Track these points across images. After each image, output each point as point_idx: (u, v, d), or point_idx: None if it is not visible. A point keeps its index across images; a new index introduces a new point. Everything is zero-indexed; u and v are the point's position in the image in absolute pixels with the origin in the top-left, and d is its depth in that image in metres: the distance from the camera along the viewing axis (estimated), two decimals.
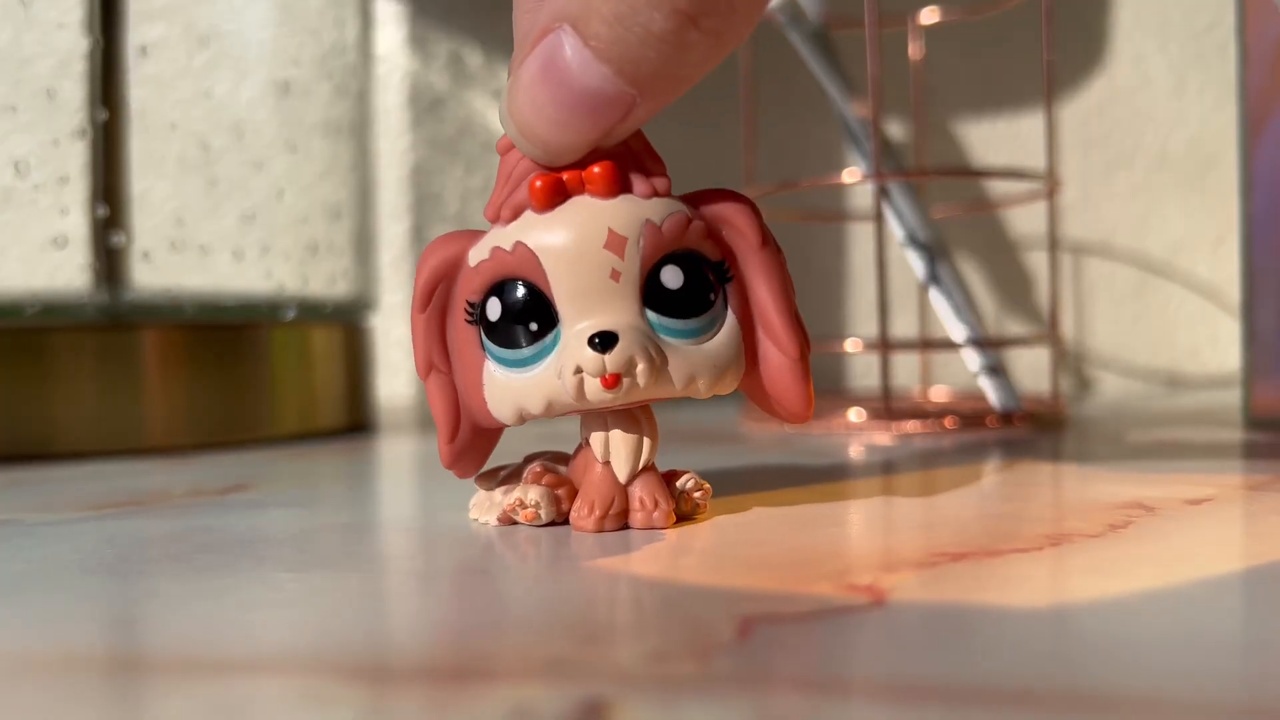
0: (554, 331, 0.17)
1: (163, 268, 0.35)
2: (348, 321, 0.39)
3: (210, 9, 0.37)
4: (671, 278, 0.17)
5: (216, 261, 0.36)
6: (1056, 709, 0.10)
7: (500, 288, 0.17)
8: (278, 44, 0.38)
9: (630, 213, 0.17)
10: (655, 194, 0.17)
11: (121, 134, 0.34)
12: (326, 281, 0.38)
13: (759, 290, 0.18)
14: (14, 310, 0.31)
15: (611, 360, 0.17)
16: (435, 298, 0.18)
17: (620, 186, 0.17)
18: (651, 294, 0.17)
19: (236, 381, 0.34)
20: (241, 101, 0.37)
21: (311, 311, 0.37)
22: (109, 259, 0.34)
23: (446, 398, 0.18)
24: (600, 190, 0.17)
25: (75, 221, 0.34)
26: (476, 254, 0.18)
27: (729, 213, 0.18)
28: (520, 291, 0.17)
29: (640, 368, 0.17)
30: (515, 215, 0.17)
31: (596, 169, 0.17)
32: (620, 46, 0.15)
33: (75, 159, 0.34)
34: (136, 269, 0.35)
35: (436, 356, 0.18)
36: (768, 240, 0.18)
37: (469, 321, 0.18)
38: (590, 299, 0.17)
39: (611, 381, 0.17)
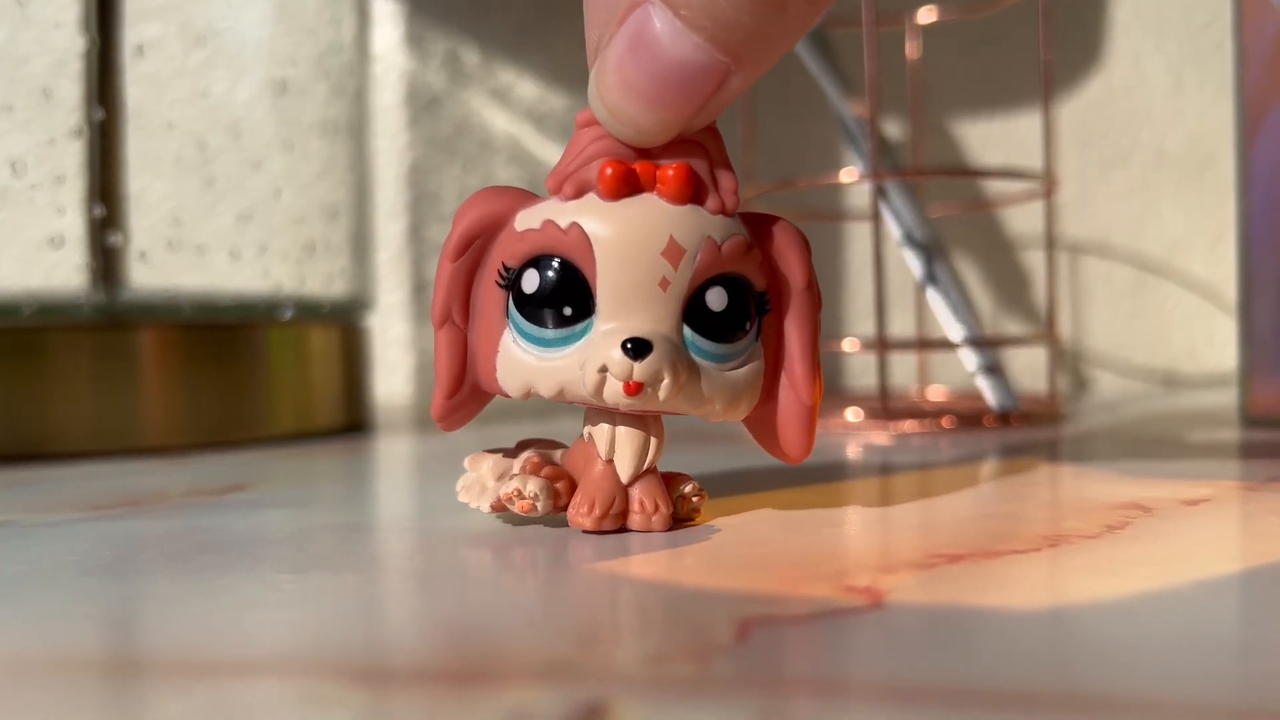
0: (587, 321, 0.17)
1: (159, 267, 0.35)
2: (345, 321, 0.39)
3: (207, 8, 0.37)
4: (716, 300, 0.17)
5: (213, 261, 0.36)
6: (1054, 710, 0.10)
7: (543, 262, 0.17)
8: (274, 43, 0.38)
9: (694, 225, 0.17)
10: (723, 211, 0.17)
11: (118, 133, 0.34)
12: (324, 281, 0.38)
13: (791, 330, 0.18)
14: (10, 310, 0.31)
15: (640, 369, 0.16)
16: (470, 252, 0.18)
17: (691, 194, 0.17)
18: (693, 311, 0.17)
19: (234, 381, 0.34)
20: (238, 101, 0.37)
21: (309, 311, 0.37)
22: (105, 258, 0.34)
23: (455, 352, 0.18)
24: (671, 193, 0.17)
25: (72, 221, 0.34)
26: (525, 220, 0.17)
27: (783, 247, 0.18)
28: (563, 273, 0.17)
29: (665, 381, 0.17)
30: (578, 194, 0.17)
31: (671, 170, 0.17)
32: (714, 12, 0.15)
33: (72, 158, 0.34)
34: (133, 268, 0.35)
35: (456, 309, 0.18)
36: (812, 283, 0.18)
37: (499, 284, 0.17)
38: (633, 300, 0.17)
39: (634, 389, 0.16)
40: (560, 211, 0.17)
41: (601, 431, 0.18)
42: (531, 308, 0.17)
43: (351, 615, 0.13)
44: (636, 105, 0.16)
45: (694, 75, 0.16)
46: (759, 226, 0.18)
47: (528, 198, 0.18)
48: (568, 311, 0.17)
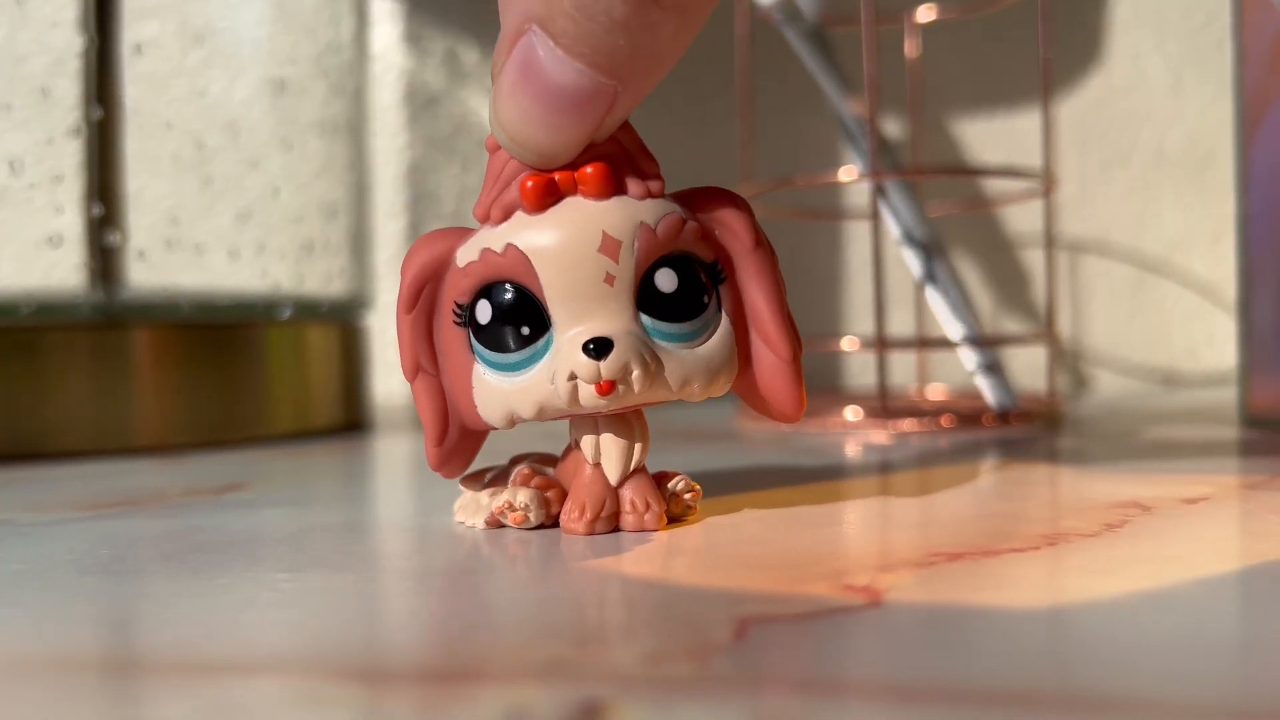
0: (546, 335, 0.17)
1: (158, 266, 0.35)
2: (343, 320, 0.39)
3: (205, 7, 0.36)
4: (665, 281, 0.17)
5: (212, 260, 0.36)
6: (1053, 709, 0.10)
7: (490, 290, 0.17)
8: (273, 42, 0.38)
9: (624, 215, 0.17)
10: (649, 195, 0.17)
11: (116, 132, 0.34)
12: (322, 280, 0.38)
13: (752, 292, 0.18)
14: (9, 309, 0.31)
15: (606, 367, 0.17)
16: (422, 299, 0.18)
17: (614, 187, 0.17)
18: (645, 297, 0.17)
19: (232, 380, 0.34)
20: (236, 100, 0.37)
21: (307, 310, 0.37)
22: (104, 258, 0.34)
23: (434, 400, 0.18)
24: (593, 191, 0.17)
25: (70, 220, 0.34)
26: (465, 254, 0.17)
27: (722, 213, 0.18)
28: (511, 294, 0.17)
29: (635, 374, 0.17)
30: (506, 216, 0.17)
31: (589, 169, 0.17)
32: (588, 39, 0.15)
33: (70, 157, 0.34)
34: (131, 268, 0.35)
35: (424, 358, 0.18)
36: (761, 241, 0.18)
37: (457, 323, 0.18)
38: (584, 303, 0.17)
39: (606, 388, 0.17)
40: (493, 237, 0.17)
41: (586, 437, 0.18)
42: (490, 336, 0.17)
43: (349, 615, 0.13)
44: (533, 130, 0.16)
45: (582, 99, 0.16)
46: (695, 200, 0.18)
47: (465, 234, 0.18)
48: (525, 331, 0.17)
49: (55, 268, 0.34)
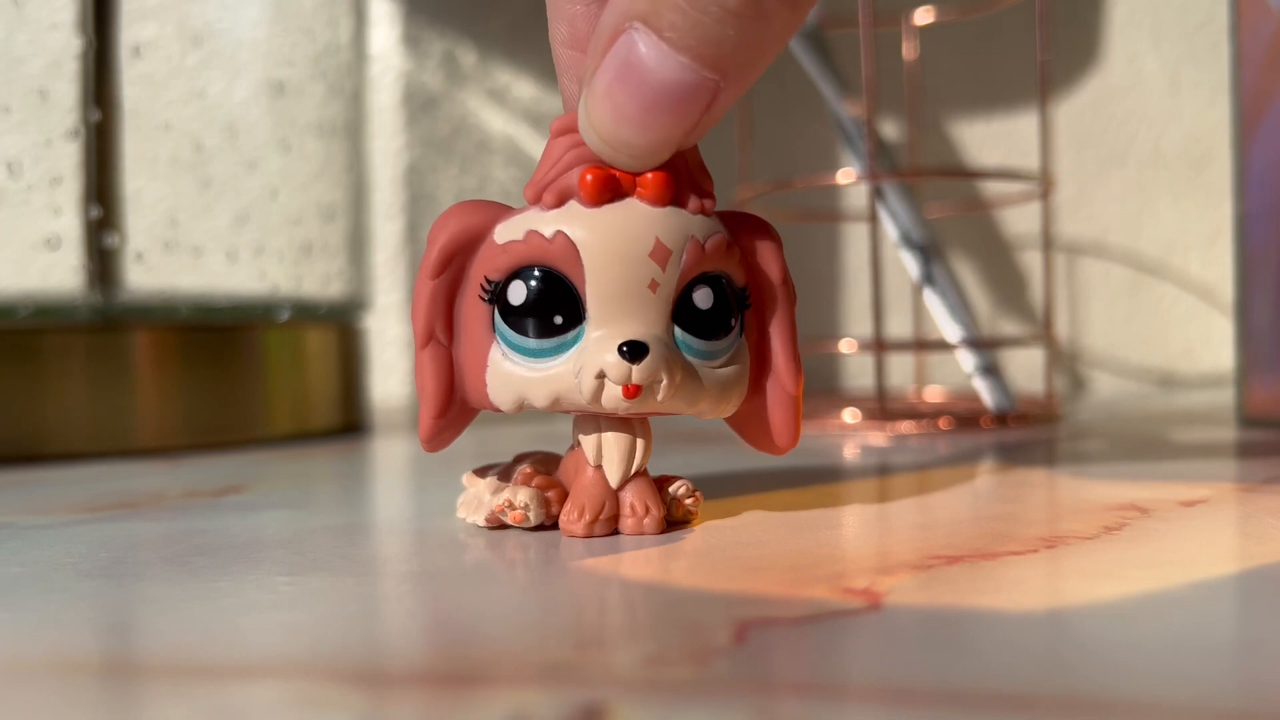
0: (578, 329, 0.17)
1: (156, 268, 0.35)
2: (342, 322, 0.38)
3: (203, 8, 0.36)
4: (703, 298, 0.17)
5: (210, 262, 0.36)
6: (1051, 712, 0.10)
7: (529, 273, 0.17)
8: (271, 43, 0.38)
9: (678, 226, 0.17)
10: (702, 211, 0.17)
11: (114, 134, 0.34)
12: (320, 282, 0.38)
13: (771, 324, 0.18)
14: (7, 311, 0.31)
15: (639, 372, 0.16)
16: (450, 267, 0.17)
17: (671, 196, 0.17)
18: (681, 310, 0.17)
19: (230, 383, 0.34)
20: (235, 101, 0.37)
21: (305, 312, 0.37)
22: (102, 260, 0.34)
23: (442, 372, 0.18)
24: (651, 196, 0.17)
25: (68, 222, 0.34)
26: (506, 232, 0.17)
27: (758, 243, 0.18)
28: (551, 281, 0.17)
29: (663, 383, 0.17)
30: (559, 202, 0.17)
31: (650, 174, 0.17)
32: (698, 31, 0.15)
33: (68, 159, 0.34)
34: (130, 270, 0.35)
35: (439, 327, 0.18)
36: (788, 278, 0.18)
37: (483, 299, 0.17)
38: (624, 304, 0.17)
39: (633, 391, 0.17)
40: (543, 221, 0.17)
41: (589, 438, 0.18)
42: (520, 319, 0.17)
43: (349, 618, 0.13)
44: (630, 130, 0.16)
45: (684, 95, 0.16)
46: (733, 224, 0.18)
47: (504, 210, 0.18)
48: (558, 320, 0.17)
49: (53, 270, 0.34)
